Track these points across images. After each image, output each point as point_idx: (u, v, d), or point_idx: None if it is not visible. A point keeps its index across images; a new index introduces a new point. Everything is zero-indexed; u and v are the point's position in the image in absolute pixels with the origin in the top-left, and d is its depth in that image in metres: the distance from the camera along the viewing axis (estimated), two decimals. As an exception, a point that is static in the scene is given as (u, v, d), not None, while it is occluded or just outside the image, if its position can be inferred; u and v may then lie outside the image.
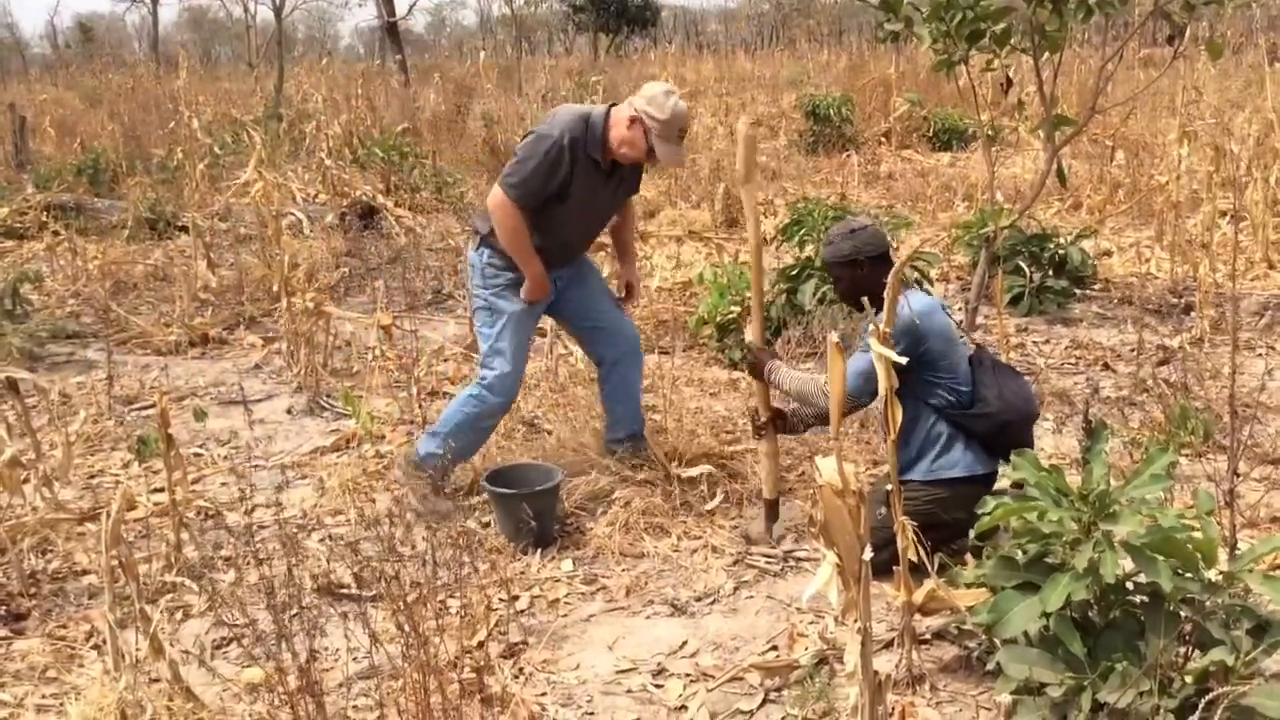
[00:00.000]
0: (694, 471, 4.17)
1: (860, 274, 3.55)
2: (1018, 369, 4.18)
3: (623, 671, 3.16)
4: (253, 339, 6.42)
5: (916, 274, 5.71)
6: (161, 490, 4.00)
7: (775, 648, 3.26)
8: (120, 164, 10.59)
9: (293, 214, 8.28)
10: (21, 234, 8.73)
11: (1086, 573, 2.45)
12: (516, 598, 3.54)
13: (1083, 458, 2.72)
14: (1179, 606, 2.46)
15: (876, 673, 2.25)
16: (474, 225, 4.10)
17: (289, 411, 5.35)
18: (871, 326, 2.63)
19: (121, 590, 3.09)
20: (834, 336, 2.41)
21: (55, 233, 7.82)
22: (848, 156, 11.12)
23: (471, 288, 4.12)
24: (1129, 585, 2.57)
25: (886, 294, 2.60)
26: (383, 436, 4.79)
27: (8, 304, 6.23)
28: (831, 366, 2.38)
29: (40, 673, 3.15)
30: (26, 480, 3.77)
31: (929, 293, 4.70)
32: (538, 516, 3.65)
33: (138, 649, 2.87)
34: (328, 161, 9.86)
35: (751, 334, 3.80)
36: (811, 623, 3.36)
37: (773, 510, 3.87)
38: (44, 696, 3.03)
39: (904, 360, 2.68)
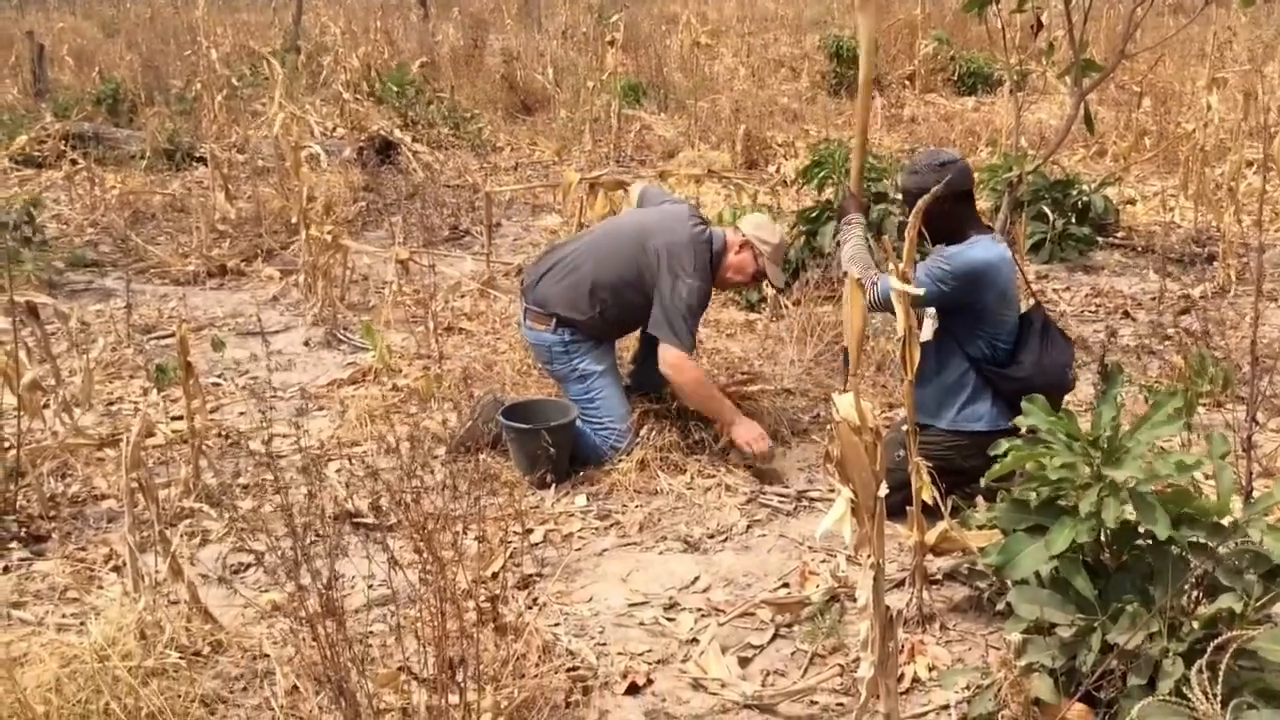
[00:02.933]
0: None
1: (943, 209, 3.28)
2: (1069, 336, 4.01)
3: (635, 605, 3.19)
4: (270, 271, 6.43)
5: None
6: (180, 418, 4.03)
7: (787, 585, 3.29)
8: (138, 94, 10.52)
9: (311, 147, 8.24)
10: (40, 163, 8.72)
11: (1090, 516, 2.46)
12: (531, 531, 3.57)
13: (1096, 401, 2.71)
14: (1187, 551, 2.46)
15: (888, 608, 2.26)
16: (542, 307, 4.06)
17: (306, 343, 5.37)
18: (917, 258, 2.57)
19: (141, 514, 3.13)
20: (855, 272, 2.39)
21: (74, 161, 7.80)
22: (871, 99, 10.96)
23: (553, 367, 4.11)
24: (1140, 529, 2.57)
25: (908, 233, 2.57)
26: (400, 370, 4.80)
27: (26, 231, 6.24)
28: (852, 303, 2.37)
29: (60, 593, 3.20)
30: (46, 405, 3.80)
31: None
32: (554, 451, 3.68)
33: (157, 571, 2.92)
34: (345, 95, 9.78)
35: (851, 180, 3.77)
36: (823, 561, 3.39)
37: None
38: (64, 616, 3.08)
39: (928, 299, 2.63)
